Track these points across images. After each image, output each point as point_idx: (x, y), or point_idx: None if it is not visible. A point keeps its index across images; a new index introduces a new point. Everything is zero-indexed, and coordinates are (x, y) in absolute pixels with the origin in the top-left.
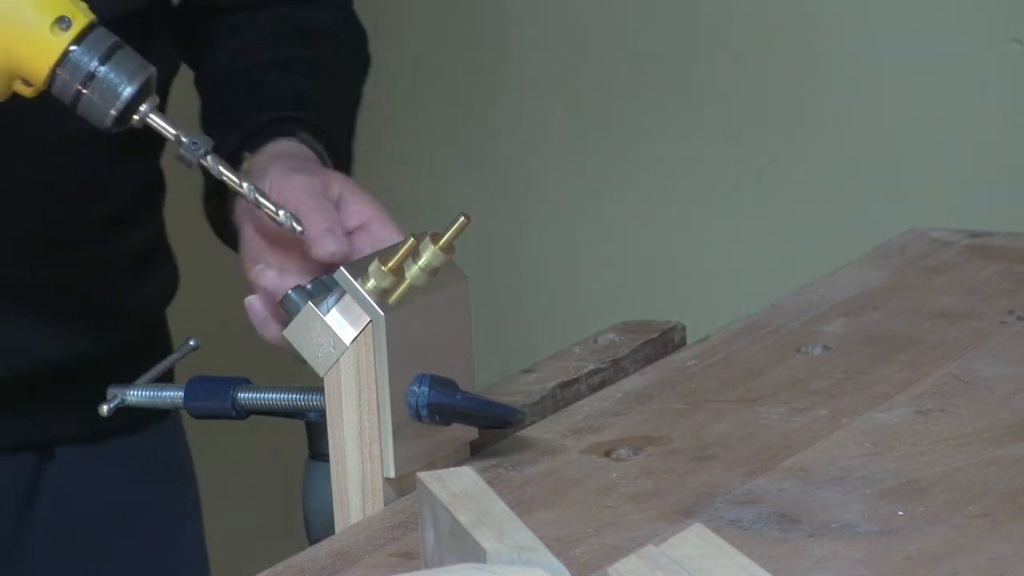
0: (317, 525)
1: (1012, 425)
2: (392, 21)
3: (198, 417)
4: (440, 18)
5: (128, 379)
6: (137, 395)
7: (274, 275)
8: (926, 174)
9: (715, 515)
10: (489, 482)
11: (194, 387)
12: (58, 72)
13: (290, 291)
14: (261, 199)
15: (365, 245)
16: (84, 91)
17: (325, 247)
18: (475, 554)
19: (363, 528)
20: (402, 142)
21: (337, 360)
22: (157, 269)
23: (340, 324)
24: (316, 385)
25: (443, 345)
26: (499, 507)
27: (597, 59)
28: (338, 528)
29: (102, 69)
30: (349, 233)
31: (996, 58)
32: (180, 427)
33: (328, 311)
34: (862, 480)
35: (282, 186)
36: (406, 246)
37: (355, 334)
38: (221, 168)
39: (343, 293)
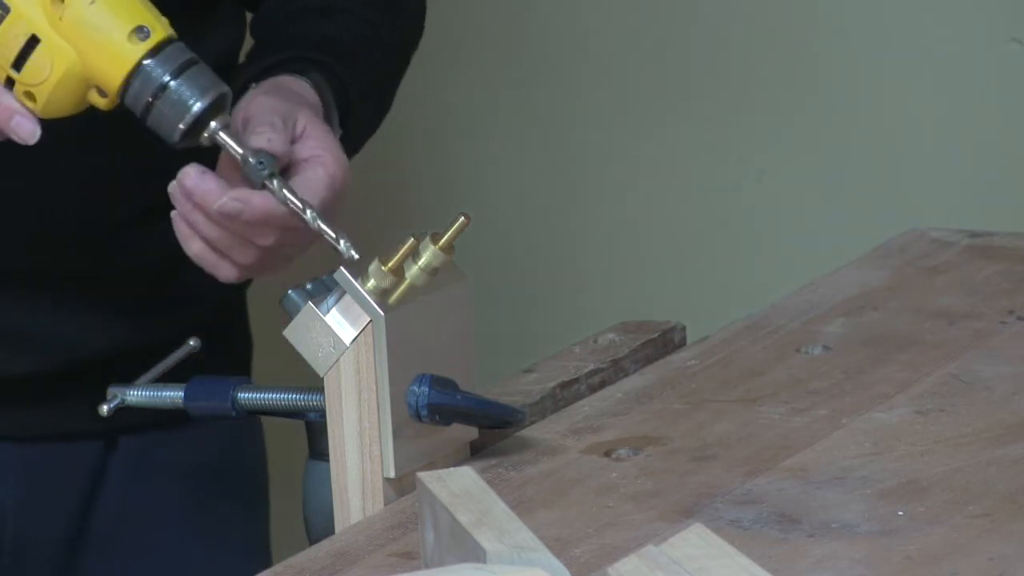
0: (317, 525)
1: (1012, 425)
2: None
3: (198, 418)
4: (448, 17)
5: (203, 366)
6: (137, 395)
7: (195, 173)
8: (926, 174)
9: (715, 515)
10: (489, 482)
11: (194, 387)
12: (131, 82)
13: (290, 291)
14: (323, 225)
15: (303, 181)
16: (155, 103)
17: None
18: (475, 554)
19: (363, 528)
20: (408, 145)
21: (337, 360)
22: None
23: (340, 324)
24: (316, 385)
25: (443, 345)
26: (499, 507)
27: (596, 59)
28: (338, 528)
29: (174, 83)
30: (296, 163)
31: (996, 58)
32: (254, 423)
33: (328, 311)
34: (862, 480)
35: (250, 104)
36: (406, 246)
37: (355, 334)
38: (286, 192)
39: (343, 293)
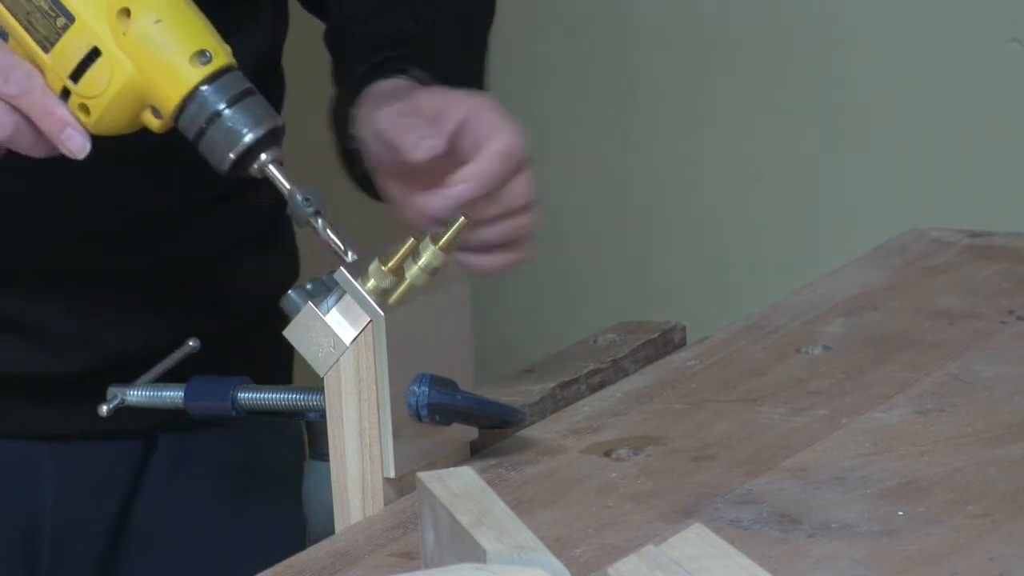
0: (317, 525)
1: (1012, 425)
2: None
3: (198, 418)
4: None
5: (241, 364)
6: (137, 395)
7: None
8: (926, 174)
9: (715, 515)
10: (489, 482)
11: (194, 387)
12: (187, 105)
13: (290, 291)
14: (347, 275)
15: (466, 142)
16: (207, 129)
17: (418, 151)
18: (475, 554)
19: (363, 528)
20: None
21: (337, 360)
22: (273, 249)
23: (340, 324)
24: (316, 385)
25: (443, 345)
26: (499, 507)
27: (595, 60)
28: (338, 528)
29: (228, 111)
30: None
31: (996, 58)
32: (295, 425)
33: (328, 311)
34: (862, 480)
35: (368, 122)
36: (406, 246)
37: (355, 334)
38: (329, 232)
39: (343, 293)
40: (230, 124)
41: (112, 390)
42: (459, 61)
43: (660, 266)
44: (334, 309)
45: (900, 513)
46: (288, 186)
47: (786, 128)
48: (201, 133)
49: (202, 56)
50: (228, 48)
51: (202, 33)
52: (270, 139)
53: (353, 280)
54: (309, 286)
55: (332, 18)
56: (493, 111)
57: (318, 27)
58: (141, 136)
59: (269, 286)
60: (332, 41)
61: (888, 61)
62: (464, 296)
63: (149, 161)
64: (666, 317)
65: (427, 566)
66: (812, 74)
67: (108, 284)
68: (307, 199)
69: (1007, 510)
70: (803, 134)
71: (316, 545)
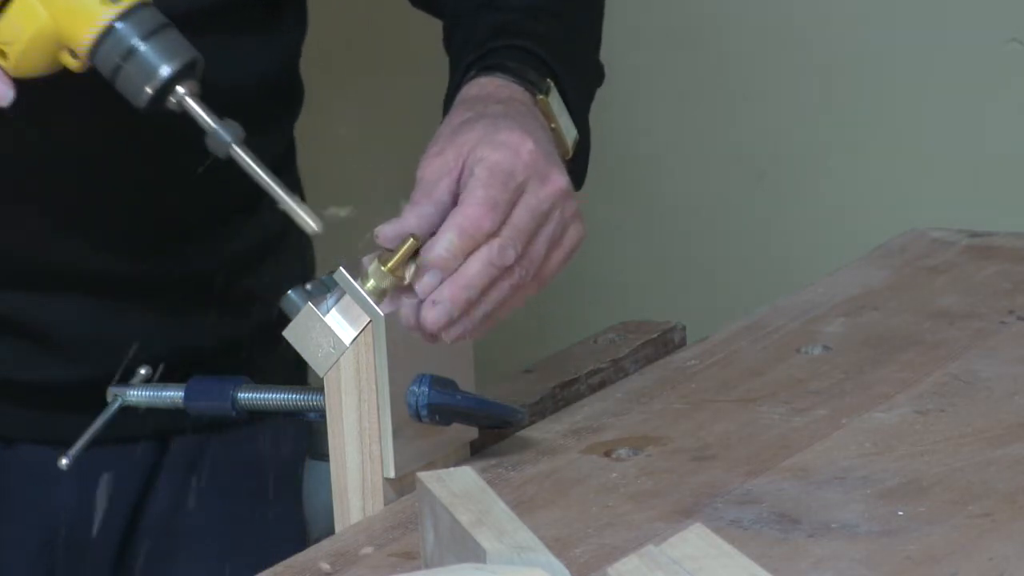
0: (317, 525)
1: (1012, 425)
2: None
3: (198, 418)
4: None
5: (259, 369)
6: (137, 395)
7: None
8: (926, 174)
9: (715, 515)
10: (489, 482)
11: (194, 387)
12: (102, 43)
13: (290, 292)
14: (293, 204)
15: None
16: (123, 66)
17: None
18: (475, 554)
19: (363, 528)
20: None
21: (337, 360)
22: (289, 253)
23: (340, 324)
24: (316, 385)
25: (443, 345)
26: (499, 507)
27: None
28: (338, 528)
29: (143, 46)
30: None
31: (996, 58)
32: (296, 424)
33: (328, 311)
34: (862, 480)
35: (426, 164)
36: (405, 247)
37: (355, 334)
38: (249, 161)
39: (343, 293)
40: (145, 59)
41: (112, 390)
42: (563, 41)
43: (660, 266)
44: (334, 309)
45: (900, 513)
46: (206, 118)
47: (786, 128)
48: (117, 70)
49: None
50: None
51: None
52: (187, 72)
53: (353, 280)
54: (309, 286)
55: (444, 18)
56: (491, 155)
57: (331, 30)
58: (165, 146)
59: (285, 287)
60: (445, 41)
61: (888, 61)
62: None
63: (171, 169)
64: (666, 317)
65: (427, 566)
66: (812, 73)
67: (125, 291)
68: (226, 129)
69: (1007, 510)
70: (803, 134)
71: (316, 545)
